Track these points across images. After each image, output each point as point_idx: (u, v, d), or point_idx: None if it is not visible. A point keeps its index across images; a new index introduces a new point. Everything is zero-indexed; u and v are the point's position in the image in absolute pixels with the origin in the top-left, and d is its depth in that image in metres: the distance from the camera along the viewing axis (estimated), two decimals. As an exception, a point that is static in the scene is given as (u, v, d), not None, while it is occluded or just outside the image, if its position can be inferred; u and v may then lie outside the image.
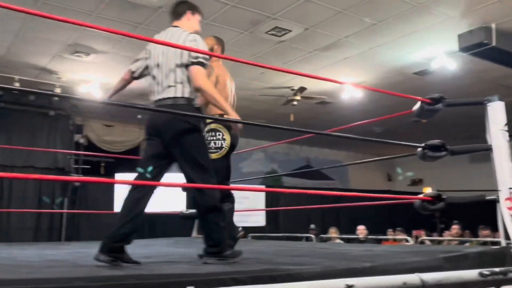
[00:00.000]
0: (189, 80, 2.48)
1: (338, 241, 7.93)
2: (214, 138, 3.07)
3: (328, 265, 2.00)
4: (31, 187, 7.84)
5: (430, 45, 6.62)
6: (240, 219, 9.99)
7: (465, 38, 6.04)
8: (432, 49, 6.75)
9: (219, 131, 3.09)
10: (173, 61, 2.50)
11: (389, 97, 7.97)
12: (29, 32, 6.17)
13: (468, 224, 8.71)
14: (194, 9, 2.73)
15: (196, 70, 2.45)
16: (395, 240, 8.09)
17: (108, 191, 8.84)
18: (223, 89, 3.17)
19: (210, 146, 3.03)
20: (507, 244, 2.69)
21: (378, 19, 5.85)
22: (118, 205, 9.05)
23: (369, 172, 14.44)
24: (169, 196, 9.01)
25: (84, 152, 8.59)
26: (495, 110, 2.89)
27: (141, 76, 2.77)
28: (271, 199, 10.97)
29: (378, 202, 5.19)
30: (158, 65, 2.57)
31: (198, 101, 2.57)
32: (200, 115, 2.60)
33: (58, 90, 7.92)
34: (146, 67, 2.69)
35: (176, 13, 2.69)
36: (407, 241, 6.85)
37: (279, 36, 6.36)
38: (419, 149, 3.04)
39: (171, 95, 2.49)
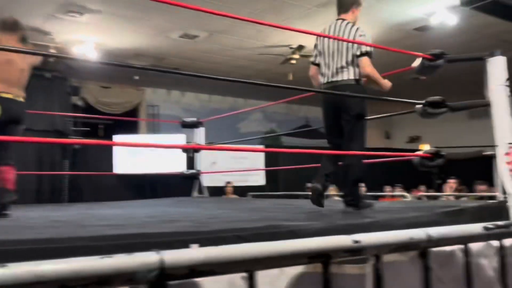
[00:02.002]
0: (355, 65, 3.00)
1: (337, 198, 8.04)
2: None
3: (329, 221, 2.03)
4: (32, 150, 7.86)
5: (430, 0, 6.47)
6: (240, 179, 10.09)
7: (467, -8, 5.90)
8: (433, 4, 6.61)
9: None
10: (345, 51, 3.00)
11: (388, 54, 7.85)
12: (20, -9, 6.01)
13: (466, 180, 8.81)
14: (358, 3, 3.17)
15: (364, 60, 2.98)
16: (393, 196, 8.21)
17: (107, 153, 8.89)
18: (6, 66, 3.25)
19: None
20: (504, 198, 2.73)
21: (378, -27, 5.70)
22: (118, 166, 9.12)
23: (367, 130, 14.45)
24: (170, 157, 9.08)
25: (82, 114, 8.56)
26: (496, 65, 2.86)
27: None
28: (270, 159, 11.04)
29: (376, 160, 5.21)
30: (329, 53, 3.06)
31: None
32: (362, 95, 3.04)
33: (52, 51, 7.80)
34: (319, 54, 3.16)
35: (343, 7, 3.14)
36: (404, 197, 6.94)
37: (277, -8, 6.22)
38: (419, 106, 3.02)
39: (342, 77, 3.01)
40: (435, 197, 7.53)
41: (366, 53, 3.00)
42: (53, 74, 8.14)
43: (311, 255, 0.84)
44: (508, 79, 2.85)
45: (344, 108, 3.05)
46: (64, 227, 2.43)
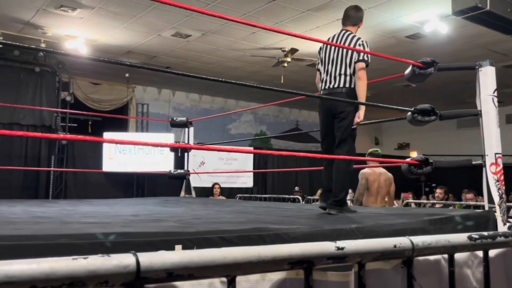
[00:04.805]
0: (353, 73, 3.19)
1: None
2: None
3: (315, 226, 2.02)
4: (17, 144, 7.76)
5: (423, 8, 6.51)
6: (229, 180, 10.07)
7: (459, 1, 5.93)
8: (426, 12, 6.65)
9: None
10: (344, 58, 3.22)
11: (380, 60, 7.91)
12: (11, -16, 5.94)
13: (453, 188, 8.88)
14: (362, 19, 3.58)
15: (360, 64, 3.17)
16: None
17: (96, 150, 8.81)
18: None
19: None
20: (490, 208, 2.74)
21: (373, -21, 5.72)
22: (106, 164, 9.02)
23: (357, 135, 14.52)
24: (158, 156, 9.02)
25: (71, 110, 8.48)
26: (486, 75, 2.88)
27: None
28: (259, 161, 11.03)
29: (365, 165, 5.23)
30: (330, 60, 3.28)
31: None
32: (348, 100, 3.11)
33: (43, 46, 7.72)
34: (321, 61, 3.37)
35: (350, 20, 3.49)
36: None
37: (271, -5, 6.21)
38: (409, 113, 3.03)
39: (339, 85, 3.19)
40: (423, 205, 7.56)
41: (363, 60, 3.21)
42: (43, 69, 8.07)
43: (293, 261, 0.82)
44: (495, 90, 2.87)
45: (337, 115, 3.19)
46: (47, 223, 2.38)
